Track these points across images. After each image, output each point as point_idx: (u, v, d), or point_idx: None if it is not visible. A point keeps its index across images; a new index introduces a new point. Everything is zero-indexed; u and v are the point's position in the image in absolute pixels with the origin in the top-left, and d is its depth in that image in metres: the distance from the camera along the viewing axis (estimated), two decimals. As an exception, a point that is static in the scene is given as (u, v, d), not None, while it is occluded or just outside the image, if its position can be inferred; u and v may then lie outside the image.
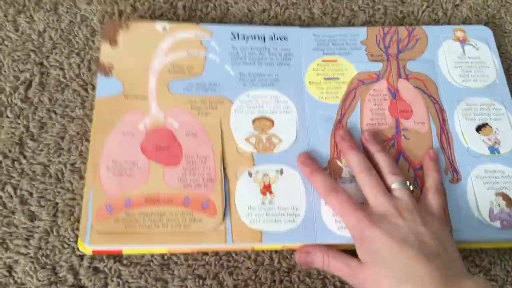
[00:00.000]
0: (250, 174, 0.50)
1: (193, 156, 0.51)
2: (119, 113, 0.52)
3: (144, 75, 0.54)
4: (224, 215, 0.48)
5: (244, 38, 0.58)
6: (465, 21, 0.65)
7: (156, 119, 0.52)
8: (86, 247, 0.46)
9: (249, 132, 0.53)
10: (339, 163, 0.52)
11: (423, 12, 0.65)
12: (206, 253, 0.49)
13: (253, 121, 0.53)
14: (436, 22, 0.64)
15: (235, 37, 0.58)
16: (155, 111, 0.53)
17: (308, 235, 0.48)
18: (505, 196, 0.51)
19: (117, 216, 0.47)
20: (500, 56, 0.60)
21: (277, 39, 0.58)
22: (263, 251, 0.49)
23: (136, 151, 0.50)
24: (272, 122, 0.53)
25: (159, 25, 0.57)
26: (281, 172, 0.51)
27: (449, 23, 0.64)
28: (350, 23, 0.63)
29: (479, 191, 0.51)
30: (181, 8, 0.63)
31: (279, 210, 0.49)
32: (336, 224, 0.49)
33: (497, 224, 0.49)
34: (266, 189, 0.50)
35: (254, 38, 0.58)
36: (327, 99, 0.55)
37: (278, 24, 0.63)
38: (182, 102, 0.53)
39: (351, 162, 0.50)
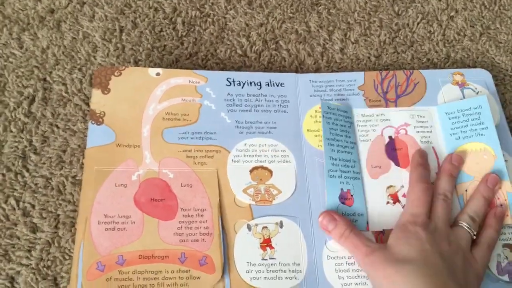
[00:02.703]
0: (249, 228, 0.48)
1: (189, 208, 0.49)
2: (111, 164, 0.50)
3: (137, 123, 0.53)
4: (223, 272, 0.46)
5: (240, 84, 0.57)
6: (460, 32, 0.66)
7: (150, 170, 0.50)
8: (76, 309, 0.44)
9: (247, 183, 0.51)
10: (340, 214, 0.50)
11: (418, 24, 0.66)
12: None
13: (251, 171, 0.51)
14: (431, 33, 0.66)
15: (230, 83, 0.56)
16: (149, 161, 0.51)
17: (311, 292, 0.46)
18: (512, 248, 0.49)
19: (109, 275, 0.44)
20: (496, 66, 0.60)
21: (274, 85, 0.57)
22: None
23: (130, 204, 0.48)
24: (271, 172, 0.52)
25: (153, 71, 0.56)
26: (281, 225, 0.49)
27: (443, 35, 0.65)
28: (346, 36, 0.65)
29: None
30: (180, 24, 0.63)
31: (280, 266, 0.47)
32: (339, 281, 0.47)
33: (506, 278, 0.47)
34: (266, 243, 0.48)
35: (250, 84, 0.57)
36: (326, 147, 0.53)
37: (275, 37, 0.64)
38: (177, 151, 0.52)
39: (414, 173, 0.51)
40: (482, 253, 0.47)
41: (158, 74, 0.56)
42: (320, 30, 0.65)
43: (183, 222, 0.48)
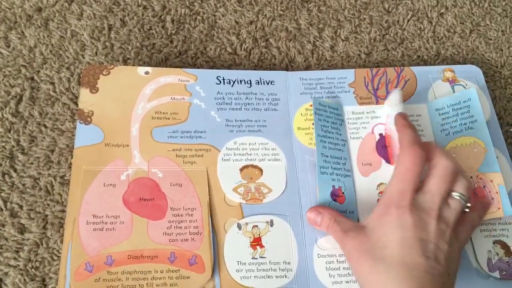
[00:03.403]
0: (239, 227, 0.48)
1: (179, 208, 0.48)
2: (99, 163, 0.49)
3: (126, 122, 0.52)
4: (213, 271, 0.46)
5: (229, 82, 0.56)
6: (450, 29, 0.66)
7: (139, 169, 0.50)
8: (64, 310, 0.43)
9: (237, 181, 0.50)
10: (331, 212, 0.50)
11: (408, 21, 0.66)
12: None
13: (241, 170, 0.51)
14: (422, 30, 0.66)
15: (220, 82, 0.56)
16: (138, 161, 0.50)
17: (302, 291, 0.46)
18: (503, 245, 0.49)
19: (98, 276, 0.44)
20: (486, 62, 0.60)
21: (264, 83, 0.57)
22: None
23: (118, 204, 0.48)
24: (261, 170, 0.51)
25: (142, 70, 0.55)
26: (271, 223, 0.49)
27: (434, 32, 0.65)
28: (336, 33, 0.64)
29: (476, 240, 0.49)
30: (169, 22, 0.63)
31: (270, 265, 0.47)
32: (330, 279, 0.46)
33: (496, 274, 0.48)
34: (256, 242, 0.47)
35: (240, 82, 0.56)
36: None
37: (265, 35, 0.63)
38: (167, 150, 0.51)
39: (404, 136, 0.46)
40: (465, 232, 0.45)
41: (147, 72, 0.55)
42: (310, 28, 0.64)
43: (172, 221, 0.47)
